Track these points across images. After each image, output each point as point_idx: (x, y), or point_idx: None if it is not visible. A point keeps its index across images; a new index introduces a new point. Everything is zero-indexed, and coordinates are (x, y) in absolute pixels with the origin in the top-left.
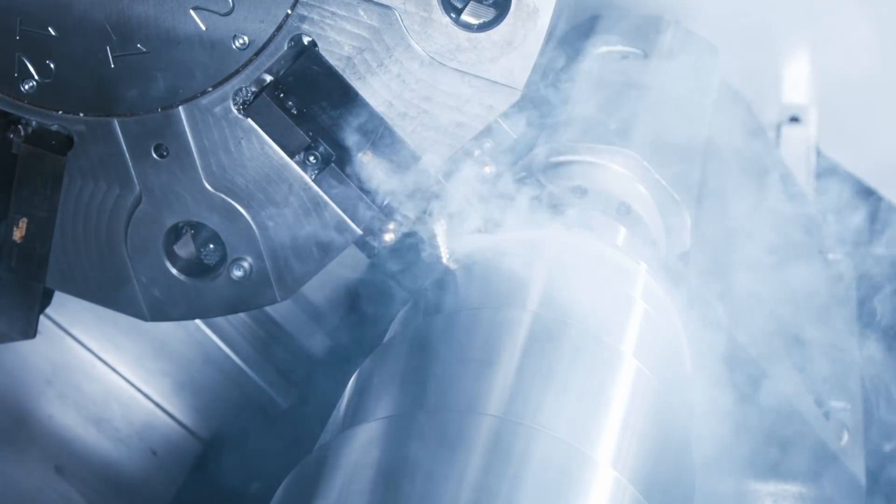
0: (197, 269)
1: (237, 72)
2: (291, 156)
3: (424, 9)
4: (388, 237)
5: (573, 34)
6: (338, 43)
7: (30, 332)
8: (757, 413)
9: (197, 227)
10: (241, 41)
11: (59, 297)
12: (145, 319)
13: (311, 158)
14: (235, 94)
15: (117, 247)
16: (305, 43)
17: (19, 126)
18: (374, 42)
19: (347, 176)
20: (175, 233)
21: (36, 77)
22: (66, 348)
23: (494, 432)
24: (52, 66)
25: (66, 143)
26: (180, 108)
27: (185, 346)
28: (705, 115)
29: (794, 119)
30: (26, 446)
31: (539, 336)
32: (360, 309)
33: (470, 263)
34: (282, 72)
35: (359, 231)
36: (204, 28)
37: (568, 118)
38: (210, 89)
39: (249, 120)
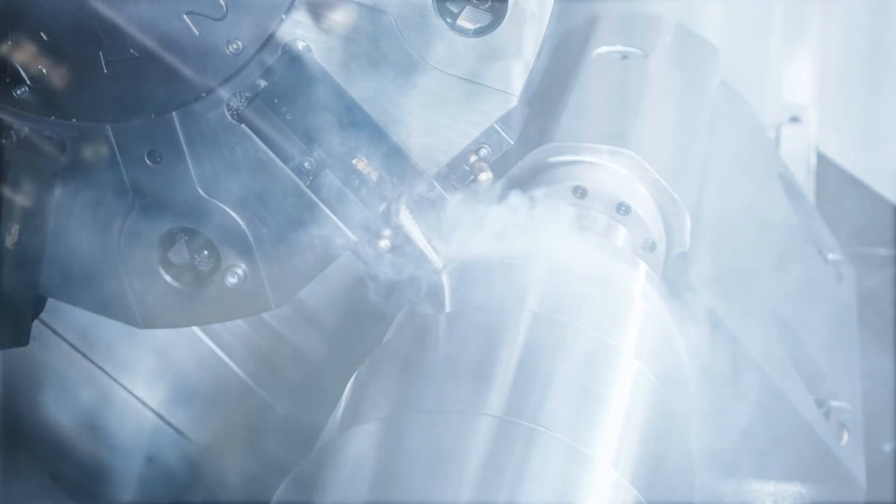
0: (191, 275)
1: (231, 77)
2: (286, 162)
3: (420, 14)
4: (384, 243)
5: (573, 34)
6: (333, 48)
7: (22, 339)
8: (756, 413)
9: (191, 233)
10: (234, 46)
11: (55, 301)
12: (138, 326)
13: (306, 164)
14: (229, 99)
15: (110, 253)
16: (300, 48)
17: (11, 131)
18: (369, 47)
19: (342, 182)
20: (169, 239)
21: (28, 82)
22: (62, 353)
23: (494, 432)
24: (44, 71)
25: (58, 148)
26: (174, 113)
27: (182, 352)
28: (705, 115)
29: (794, 119)
30: (20, 453)
31: (539, 336)
32: (358, 313)
33: (468, 265)
34: (276, 77)
35: (354, 238)
36: (197, 33)
37: (568, 118)
38: (204, 95)
39: (243, 126)
